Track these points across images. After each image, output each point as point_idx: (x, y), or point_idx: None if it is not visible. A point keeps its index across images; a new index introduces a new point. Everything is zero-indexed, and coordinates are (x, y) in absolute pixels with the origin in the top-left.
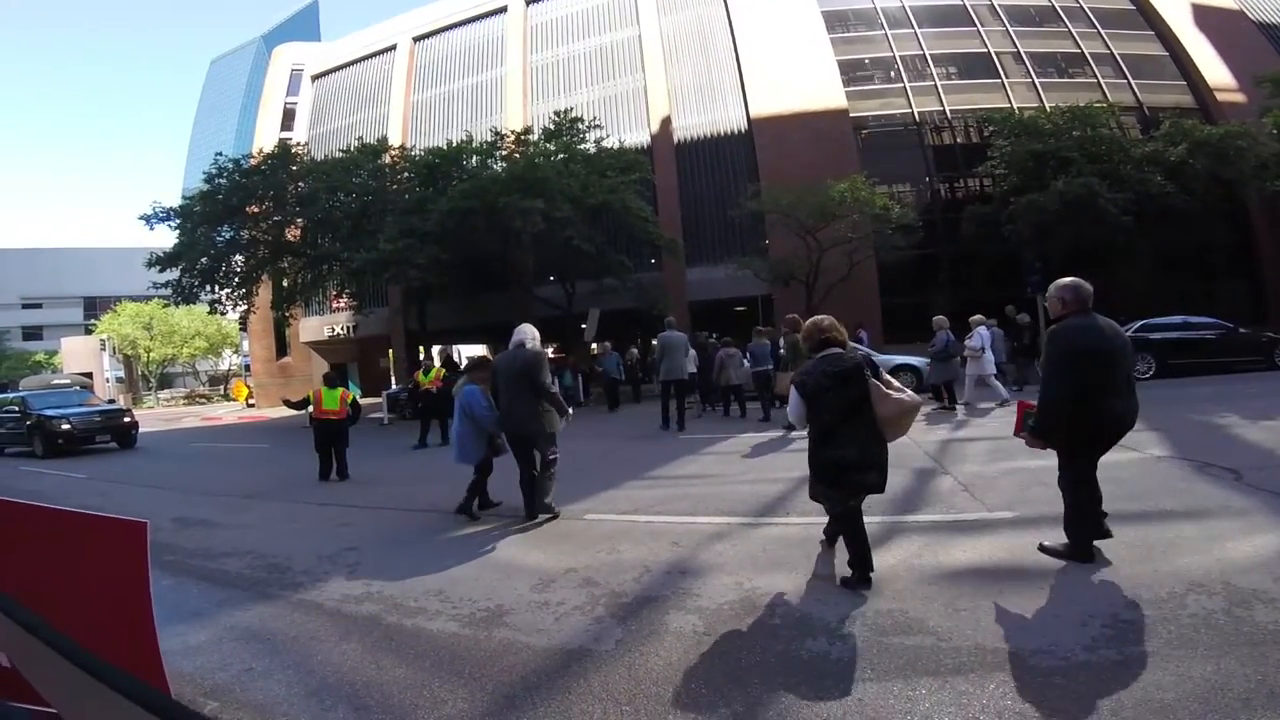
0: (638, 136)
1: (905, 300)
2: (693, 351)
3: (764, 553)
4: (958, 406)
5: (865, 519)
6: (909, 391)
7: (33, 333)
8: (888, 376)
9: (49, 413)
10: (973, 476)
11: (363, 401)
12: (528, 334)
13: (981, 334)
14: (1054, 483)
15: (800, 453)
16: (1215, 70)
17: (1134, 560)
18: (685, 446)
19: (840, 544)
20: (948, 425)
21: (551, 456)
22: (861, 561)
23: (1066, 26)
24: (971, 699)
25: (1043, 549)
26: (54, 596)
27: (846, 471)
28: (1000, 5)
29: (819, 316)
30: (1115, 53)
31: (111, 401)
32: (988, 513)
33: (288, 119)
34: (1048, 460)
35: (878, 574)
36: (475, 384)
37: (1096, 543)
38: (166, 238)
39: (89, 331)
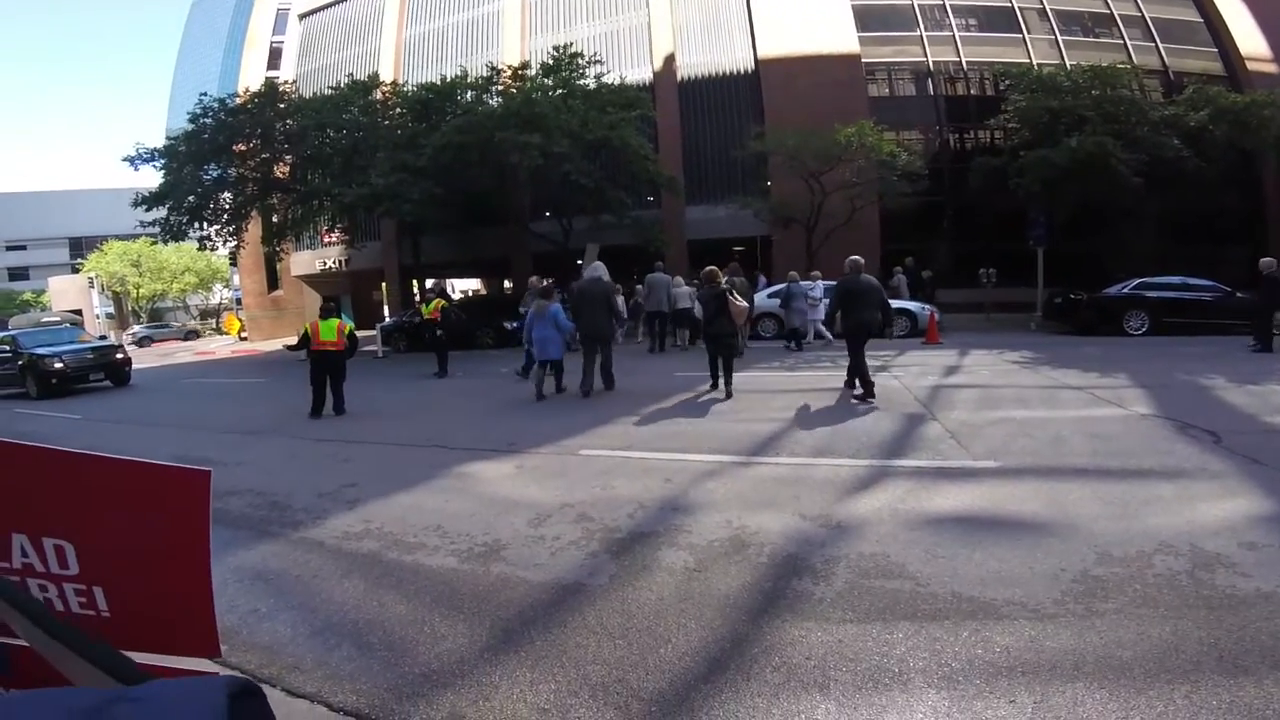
0: (640, 73)
1: (907, 247)
2: (688, 289)
3: (754, 491)
4: (793, 345)
5: (854, 462)
6: (744, 300)
7: (18, 273)
8: (736, 295)
9: (41, 351)
10: (960, 424)
11: (358, 334)
12: (602, 269)
13: (820, 285)
14: (1039, 435)
15: (787, 393)
16: (1251, 39)
17: (1110, 517)
18: (679, 384)
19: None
20: (938, 372)
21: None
22: (714, 380)
23: None
24: (945, 645)
25: (854, 398)
26: (110, 551)
27: (718, 338)
28: None
29: (709, 268)
30: (1146, 15)
31: (103, 338)
32: (972, 461)
33: (274, 58)
34: (1035, 411)
35: (862, 517)
36: (555, 304)
37: (1070, 495)
38: (152, 178)
39: (76, 271)
